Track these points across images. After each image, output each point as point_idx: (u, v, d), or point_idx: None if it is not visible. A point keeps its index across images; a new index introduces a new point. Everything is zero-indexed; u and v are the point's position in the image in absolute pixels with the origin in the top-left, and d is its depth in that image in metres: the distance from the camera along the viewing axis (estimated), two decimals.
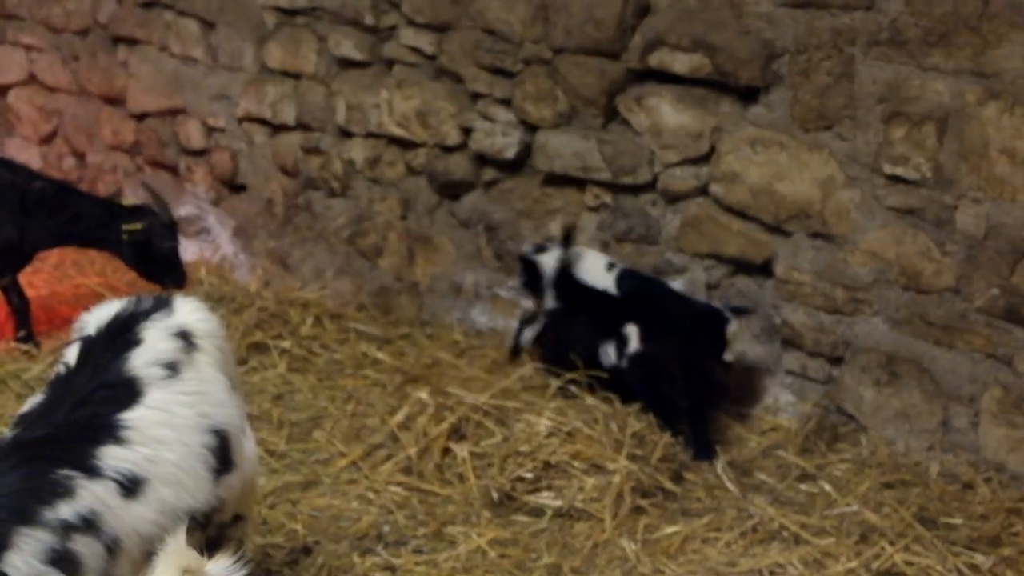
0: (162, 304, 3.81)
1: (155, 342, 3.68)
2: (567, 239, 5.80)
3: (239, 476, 3.73)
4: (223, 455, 3.67)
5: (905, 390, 5.27)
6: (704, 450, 5.21)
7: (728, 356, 5.37)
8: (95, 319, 3.77)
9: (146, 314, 3.76)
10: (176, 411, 3.59)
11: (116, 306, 3.80)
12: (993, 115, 4.98)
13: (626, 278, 5.60)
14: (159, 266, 6.13)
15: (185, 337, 3.75)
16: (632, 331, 5.42)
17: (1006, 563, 4.48)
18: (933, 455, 5.18)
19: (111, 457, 3.44)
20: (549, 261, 5.73)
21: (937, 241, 5.17)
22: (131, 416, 3.52)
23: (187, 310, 3.82)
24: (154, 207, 6.15)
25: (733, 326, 5.39)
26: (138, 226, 6.01)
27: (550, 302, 5.73)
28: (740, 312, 5.46)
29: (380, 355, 6.04)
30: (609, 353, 5.48)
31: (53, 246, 6.30)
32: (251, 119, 6.99)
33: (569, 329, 5.64)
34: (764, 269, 5.62)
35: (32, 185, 6.03)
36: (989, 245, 5.05)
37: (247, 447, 3.81)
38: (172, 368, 3.67)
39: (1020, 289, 4.99)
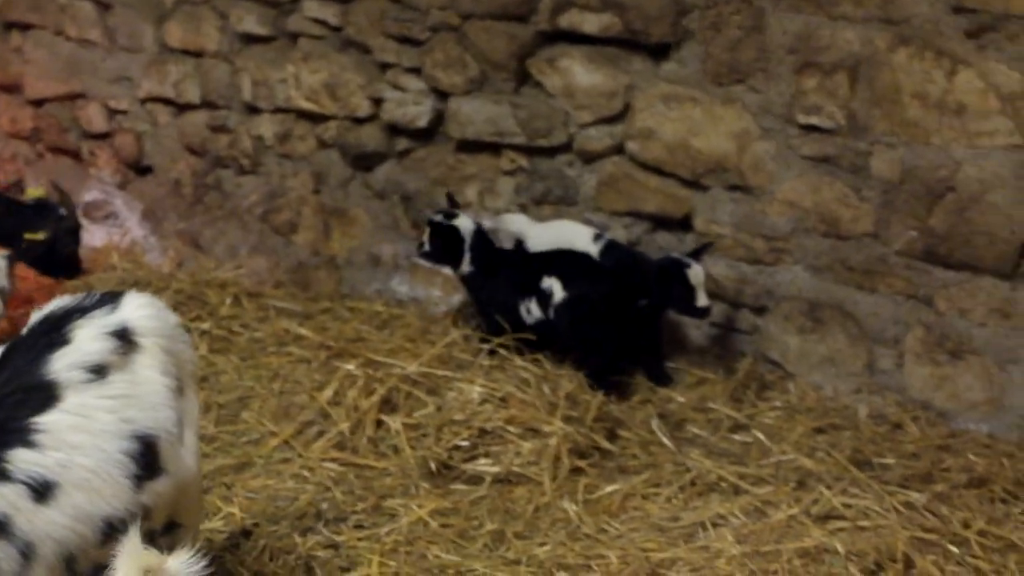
0: (107, 301, 3.62)
1: (84, 342, 3.50)
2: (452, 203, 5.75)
3: (171, 483, 3.54)
4: (148, 461, 3.48)
5: (830, 335, 5.30)
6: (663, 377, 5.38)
7: (701, 301, 5.27)
8: (35, 318, 3.62)
9: (84, 311, 3.57)
10: (95, 416, 3.42)
11: (54, 304, 3.65)
12: (903, 61, 5.01)
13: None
14: (55, 266, 5.95)
15: (123, 336, 3.55)
16: (554, 283, 5.39)
17: (940, 499, 4.51)
18: (861, 397, 5.22)
19: (22, 461, 3.28)
20: (466, 225, 5.63)
21: (854, 187, 5.20)
22: (45, 420, 3.35)
23: (133, 307, 3.61)
24: (59, 205, 5.93)
25: (694, 269, 5.29)
26: (40, 237, 5.79)
27: (467, 267, 5.63)
28: (697, 254, 5.34)
29: (302, 331, 5.93)
30: (532, 310, 5.45)
31: None
32: (154, 100, 6.84)
33: (492, 292, 5.58)
34: (684, 224, 5.61)
35: None
36: (905, 188, 5.09)
37: (186, 453, 3.63)
38: (97, 371, 3.49)
39: (937, 230, 5.04)
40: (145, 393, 3.53)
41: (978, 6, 4.84)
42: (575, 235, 5.54)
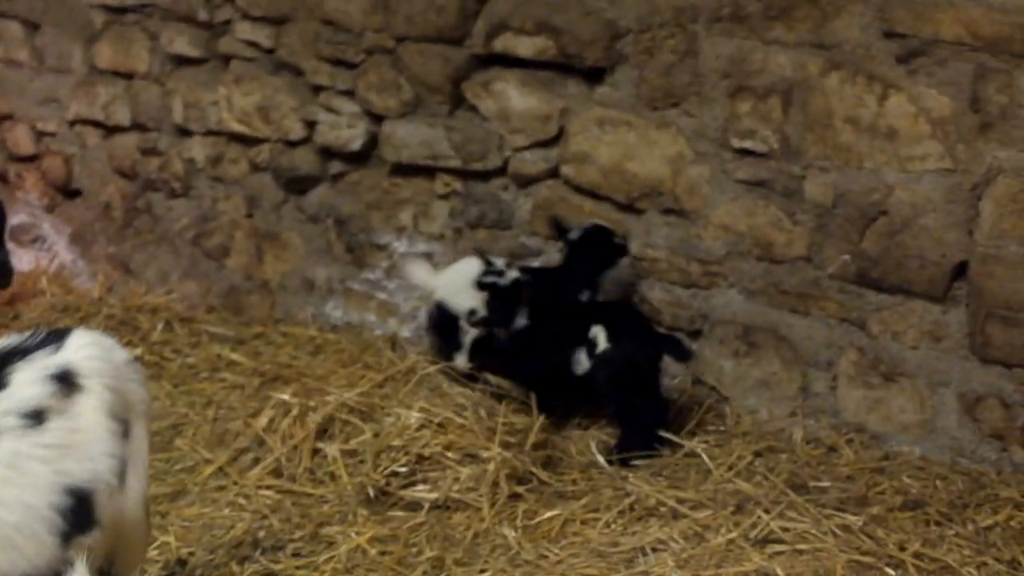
0: (50, 340, 3.44)
1: (22, 386, 3.33)
2: None
3: (104, 535, 3.39)
4: (80, 516, 3.32)
5: (764, 359, 5.33)
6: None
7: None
8: None
9: (25, 353, 3.39)
10: (26, 467, 3.25)
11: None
12: (835, 85, 5.06)
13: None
14: None
15: (65, 379, 3.39)
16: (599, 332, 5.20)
17: (876, 521, 4.55)
18: (796, 421, 5.25)
19: None
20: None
21: (787, 211, 5.23)
22: None
23: (76, 346, 3.45)
24: None
25: None
26: None
27: (522, 322, 5.39)
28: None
29: (235, 356, 5.90)
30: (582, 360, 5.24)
31: None
32: (83, 121, 6.76)
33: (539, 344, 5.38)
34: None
35: None
36: (838, 212, 5.13)
37: (127, 500, 3.49)
38: (34, 417, 3.31)
39: (869, 253, 5.08)
40: (85, 441, 3.38)
41: (908, 31, 4.90)
42: (469, 272, 5.46)
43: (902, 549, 4.38)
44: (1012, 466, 4.93)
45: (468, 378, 5.42)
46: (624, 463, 5.00)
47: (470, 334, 5.48)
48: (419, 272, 5.69)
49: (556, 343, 5.27)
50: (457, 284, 5.47)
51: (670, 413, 5.23)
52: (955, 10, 4.80)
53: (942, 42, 4.85)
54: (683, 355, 5.19)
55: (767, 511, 4.57)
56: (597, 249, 5.44)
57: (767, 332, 5.33)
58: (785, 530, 4.47)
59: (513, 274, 5.37)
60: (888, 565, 4.30)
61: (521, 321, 5.36)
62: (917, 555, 4.36)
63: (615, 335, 5.15)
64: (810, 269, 5.22)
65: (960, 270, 4.95)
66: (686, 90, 5.35)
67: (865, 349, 5.16)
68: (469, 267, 5.48)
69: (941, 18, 4.82)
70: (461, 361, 5.48)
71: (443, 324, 5.53)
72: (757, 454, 5.04)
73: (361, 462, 4.90)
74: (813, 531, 4.46)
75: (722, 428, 5.25)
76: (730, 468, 4.92)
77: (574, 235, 5.47)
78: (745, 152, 5.26)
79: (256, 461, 5.04)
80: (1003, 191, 4.82)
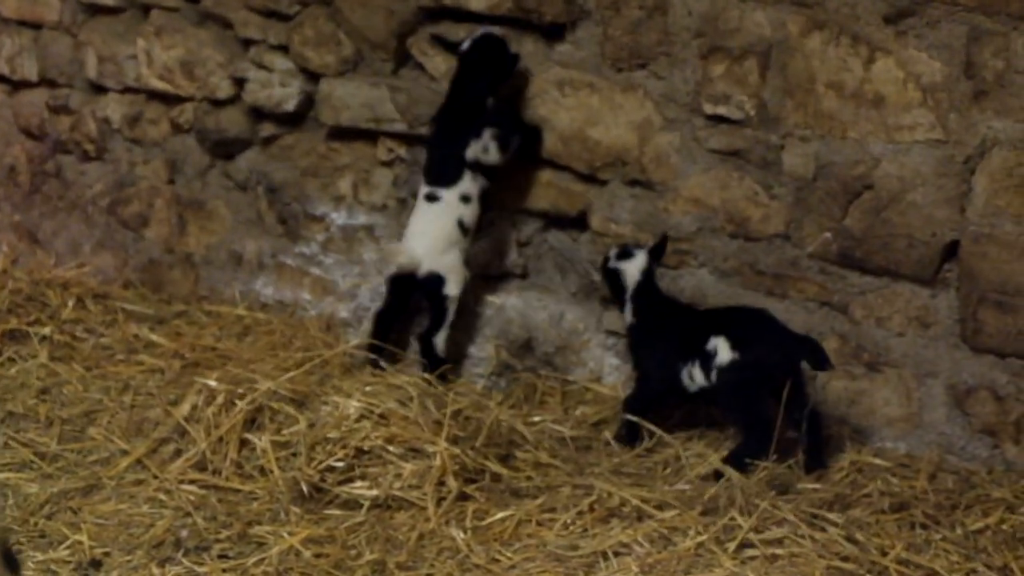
0: None
1: None
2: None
3: None
4: None
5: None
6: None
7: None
8: None
9: None
10: None
11: None
12: (818, 47, 5.07)
13: None
14: None
15: None
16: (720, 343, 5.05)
17: (857, 525, 4.57)
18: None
19: None
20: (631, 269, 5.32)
21: (764, 184, 5.25)
22: None
23: None
24: None
25: None
26: None
27: (629, 318, 5.33)
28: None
29: (155, 337, 5.86)
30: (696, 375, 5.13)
31: None
32: None
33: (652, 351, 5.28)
34: (579, 222, 5.62)
35: None
36: (819, 186, 5.15)
37: None
38: None
39: (853, 232, 5.11)
40: None
41: None
42: None
43: (884, 554, 4.40)
44: (1005, 464, 4.98)
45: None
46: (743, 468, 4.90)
47: None
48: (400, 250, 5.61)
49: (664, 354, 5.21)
50: None
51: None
52: None
53: (934, 1, 4.87)
54: (821, 363, 4.99)
55: (741, 512, 4.58)
56: (489, 59, 5.44)
57: None
58: (759, 533, 4.48)
59: (635, 264, 5.30)
60: (870, 572, 4.32)
61: (629, 317, 5.32)
62: (901, 561, 4.38)
63: (742, 342, 5.02)
64: (788, 248, 5.24)
65: (951, 250, 4.99)
66: (654, 50, 5.34)
67: (847, 336, 5.19)
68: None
69: None
70: None
71: None
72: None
73: (294, 455, 4.88)
74: (790, 535, 4.48)
75: (693, 421, 5.24)
76: (701, 467, 4.92)
77: (464, 46, 5.49)
78: (718, 119, 5.27)
79: (178, 453, 5.01)
80: (998, 164, 4.86)
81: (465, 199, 5.51)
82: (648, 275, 5.26)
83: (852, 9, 5.01)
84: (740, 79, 5.21)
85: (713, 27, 5.23)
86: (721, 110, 5.26)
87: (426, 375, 5.35)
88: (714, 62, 5.24)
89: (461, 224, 5.52)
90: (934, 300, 5.04)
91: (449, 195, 5.51)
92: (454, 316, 5.55)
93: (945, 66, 4.90)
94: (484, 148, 5.48)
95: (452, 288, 5.51)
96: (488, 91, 5.51)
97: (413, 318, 5.72)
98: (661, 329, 5.23)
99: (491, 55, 5.49)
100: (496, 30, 5.47)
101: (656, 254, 5.28)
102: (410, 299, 5.64)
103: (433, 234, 5.53)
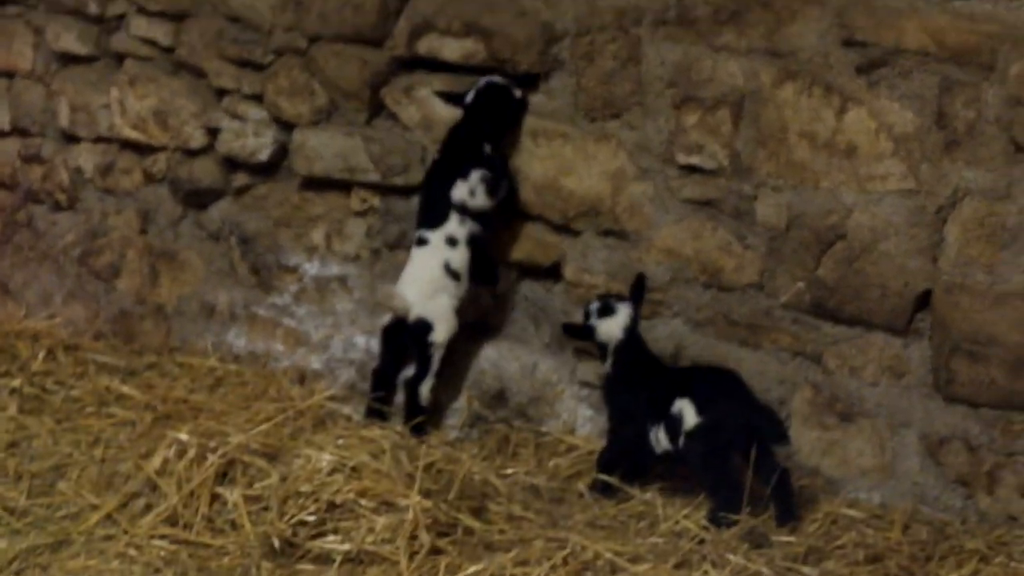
0: None
1: None
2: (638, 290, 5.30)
3: None
4: None
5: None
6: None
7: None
8: None
9: None
10: None
11: None
12: (790, 96, 5.10)
13: None
14: None
15: None
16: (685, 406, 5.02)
17: None
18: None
19: None
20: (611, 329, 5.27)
21: (737, 234, 5.27)
22: None
23: None
24: None
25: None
26: None
27: (607, 368, 5.30)
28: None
29: (126, 390, 5.85)
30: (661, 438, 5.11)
31: None
32: None
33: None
34: (552, 272, 5.63)
35: None
36: (792, 236, 5.17)
37: None
38: None
39: (826, 281, 5.12)
40: None
41: (869, 39, 4.95)
42: None
43: None
44: (978, 515, 4.98)
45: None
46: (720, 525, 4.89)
47: None
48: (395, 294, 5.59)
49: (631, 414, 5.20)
50: None
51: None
52: (919, 17, 4.86)
53: (905, 52, 4.91)
54: (778, 437, 4.96)
55: (714, 566, 4.58)
56: (494, 107, 5.44)
57: None
58: None
59: (615, 323, 5.25)
60: None
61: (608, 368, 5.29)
62: None
63: (706, 406, 4.99)
64: (761, 298, 5.26)
65: (923, 300, 5.01)
66: (628, 100, 5.37)
67: (820, 386, 5.20)
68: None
69: (904, 26, 4.88)
70: None
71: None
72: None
73: (265, 509, 4.86)
74: None
75: (668, 473, 5.24)
76: (677, 518, 4.92)
77: (469, 98, 5.49)
78: (692, 169, 5.29)
79: (148, 507, 4.99)
80: (970, 214, 4.89)
81: (451, 241, 5.50)
82: (630, 330, 5.24)
83: (824, 59, 5.04)
84: (713, 129, 5.24)
85: (686, 77, 5.26)
86: (694, 160, 5.28)
87: (397, 428, 5.35)
88: (687, 112, 5.27)
89: (448, 268, 5.50)
90: (907, 350, 5.06)
91: (435, 237, 5.51)
92: (439, 365, 5.53)
93: (917, 116, 4.93)
94: (471, 191, 5.47)
95: (438, 335, 5.50)
96: (487, 137, 5.49)
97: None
98: (635, 386, 5.23)
99: (496, 103, 5.47)
100: (498, 79, 5.47)
101: (636, 301, 5.26)
102: (405, 351, 5.60)
103: (421, 278, 5.53)
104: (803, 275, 5.17)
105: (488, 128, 5.49)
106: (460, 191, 5.47)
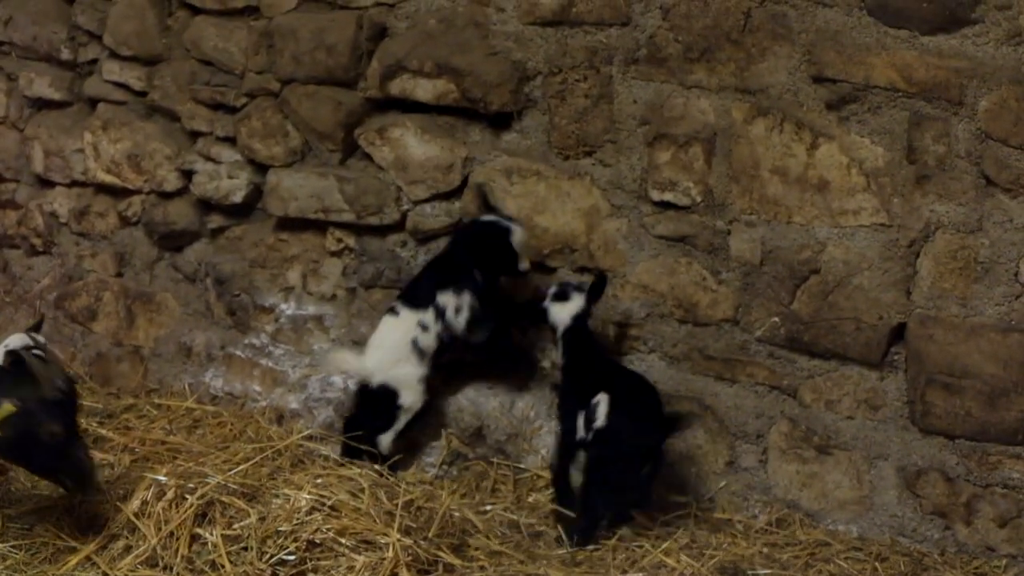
0: None
1: None
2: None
3: None
4: None
5: (688, 431, 5.34)
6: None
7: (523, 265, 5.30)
8: None
9: None
10: None
11: None
12: (762, 133, 5.12)
13: None
14: (46, 460, 4.85)
15: None
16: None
17: None
18: (724, 499, 5.27)
19: None
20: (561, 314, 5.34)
21: (712, 269, 5.28)
22: None
23: None
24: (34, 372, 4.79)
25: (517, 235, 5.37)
26: (12, 410, 4.70)
27: (559, 358, 5.35)
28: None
29: (104, 432, 5.80)
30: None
31: None
32: None
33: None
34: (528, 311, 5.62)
35: None
36: (766, 271, 5.18)
37: None
38: None
39: (801, 315, 5.14)
40: None
41: (839, 76, 4.98)
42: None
43: None
44: (956, 545, 4.99)
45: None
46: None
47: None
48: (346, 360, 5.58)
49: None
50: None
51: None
52: (888, 54, 4.89)
53: (875, 88, 4.94)
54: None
55: None
56: (483, 244, 5.41)
57: (691, 401, 5.35)
58: None
59: (567, 308, 5.32)
60: None
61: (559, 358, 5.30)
62: None
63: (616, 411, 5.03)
64: (737, 332, 5.27)
65: (898, 333, 5.02)
66: (601, 138, 5.38)
67: (797, 419, 5.20)
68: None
69: (874, 62, 4.92)
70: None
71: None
72: (686, 535, 5.04)
73: (245, 549, 4.82)
74: None
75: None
76: (658, 551, 4.91)
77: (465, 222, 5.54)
78: (665, 205, 5.31)
79: (128, 549, 4.93)
80: (942, 247, 4.91)
81: (423, 327, 5.47)
82: (579, 319, 5.29)
83: (795, 96, 5.07)
84: (686, 165, 5.25)
85: (658, 115, 5.28)
86: (668, 196, 5.30)
87: (376, 467, 5.33)
88: (660, 149, 5.29)
89: (416, 345, 5.47)
90: (883, 383, 5.07)
91: (409, 315, 5.48)
92: (404, 426, 5.51)
93: (887, 151, 4.96)
94: (456, 309, 5.45)
95: (406, 400, 5.48)
96: (476, 265, 5.44)
97: None
98: (577, 377, 5.25)
99: (489, 241, 5.39)
100: (511, 228, 5.37)
101: (592, 295, 5.29)
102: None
103: (386, 345, 5.50)
104: (778, 309, 5.18)
105: (479, 259, 5.43)
106: (445, 299, 5.44)
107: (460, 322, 5.46)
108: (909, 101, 4.91)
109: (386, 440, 5.49)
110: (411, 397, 5.48)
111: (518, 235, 5.36)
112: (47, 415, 4.74)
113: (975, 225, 4.87)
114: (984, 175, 4.83)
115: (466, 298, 5.45)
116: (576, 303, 5.28)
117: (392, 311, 5.52)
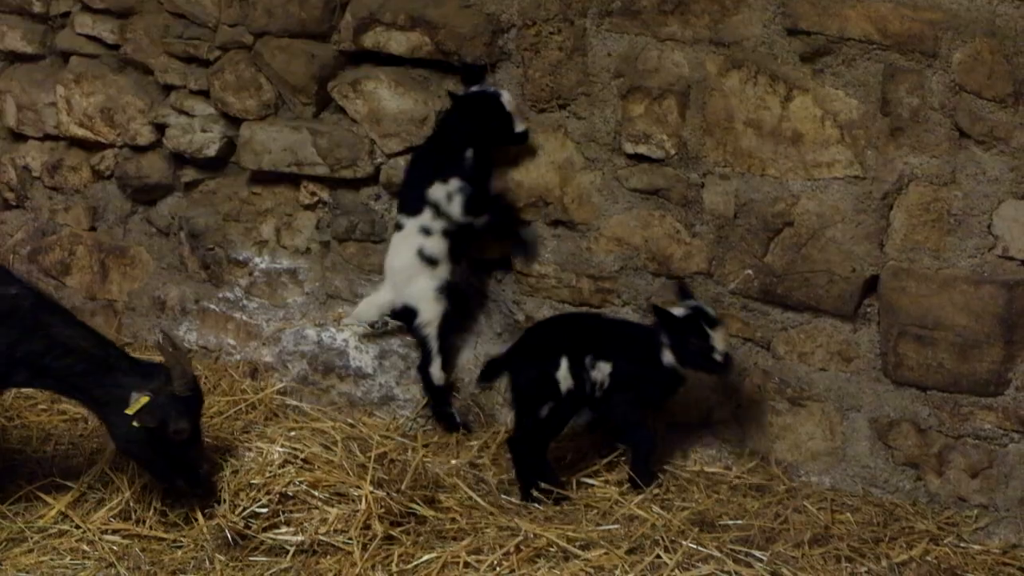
0: None
1: None
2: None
3: None
4: None
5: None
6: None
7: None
8: None
9: None
10: None
11: None
12: (736, 85, 5.10)
13: None
14: (167, 459, 4.81)
15: None
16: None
17: (782, 559, 4.60)
18: (697, 451, 5.28)
19: None
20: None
21: (685, 222, 5.27)
22: None
23: None
24: (168, 365, 4.78)
25: None
26: (144, 400, 4.69)
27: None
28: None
29: None
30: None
31: (21, 384, 5.07)
32: None
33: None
34: (502, 263, 5.62)
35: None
36: (740, 223, 5.18)
37: None
38: None
39: (774, 268, 5.13)
40: None
41: (813, 28, 4.96)
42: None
43: None
44: (928, 496, 5.01)
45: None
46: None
47: None
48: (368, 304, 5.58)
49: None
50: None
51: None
52: (863, 5, 4.87)
53: (849, 40, 4.92)
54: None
55: (667, 550, 4.58)
56: (478, 112, 5.36)
57: None
58: (685, 570, 4.49)
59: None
60: None
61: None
62: None
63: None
64: (710, 285, 5.26)
65: (871, 285, 5.02)
66: (575, 90, 5.36)
67: (770, 371, 5.21)
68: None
69: (848, 14, 4.90)
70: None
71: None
72: (658, 487, 5.05)
73: (218, 502, 4.83)
74: (716, 571, 4.49)
75: (619, 461, 5.23)
76: (629, 505, 4.92)
77: (459, 93, 5.47)
78: (639, 158, 5.29)
79: (101, 502, 4.96)
80: (915, 200, 4.91)
81: (426, 231, 5.45)
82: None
83: (769, 48, 5.06)
84: (660, 118, 5.24)
85: (632, 67, 5.25)
86: (641, 149, 5.28)
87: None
88: (634, 102, 5.27)
89: (422, 253, 5.45)
90: (855, 335, 5.07)
91: (411, 224, 5.47)
92: (438, 343, 5.48)
93: (861, 103, 4.95)
94: (448, 196, 5.40)
95: (423, 316, 5.47)
96: (468, 142, 5.39)
97: None
98: None
99: (481, 109, 5.35)
100: (492, 90, 5.38)
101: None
102: None
103: (395, 265, 5.51)
104: (751, 262, 5.18)
105: (468, 130, 5.38)
106: (436, 191, 5.41)
107: (455, 209, 5.42)
108: (884, 53, 4.89)
109: (436, 369, 5.47)
110: (429, 310, 5.46)
111: (507, 97, 5.33)
112: (176, 411, 4.71)
113: (948, 177, 4.86)
114: (958, 127, 4.82)
115: (455, 183, 5.39)
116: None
117: (397, 226, 5.51)
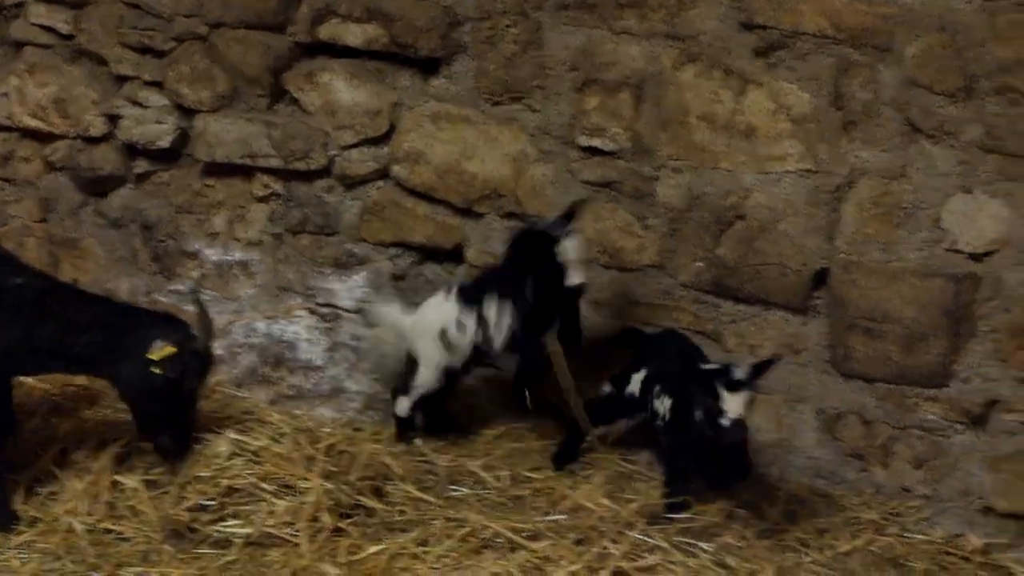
0: None
1: None
2: None
3: None
4: None
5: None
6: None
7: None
8: None
9: None
10: None
11: None
12: (691, 79, 5.17)
13: None
14: (165, 411, 4.91)
15: None
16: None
17: (729, 550, 4.67)
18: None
19: None
20: None
21: (638, 215, 5.33)
22: None
23: None
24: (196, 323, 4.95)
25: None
26: (170, 350, 4.81)
27: None
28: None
29: (25, 379, 5.78)
30: None
31: (35, 372, 5.24)
32: None
33: None
34: (455, 255, 5.68)
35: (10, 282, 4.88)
36: (692, 216, 5.24)
37: None
38: None
39: (725, 261, 5.20)
40: None
41: (768, 22, 5.03)
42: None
43: None
44: (873, 487, 5.08)
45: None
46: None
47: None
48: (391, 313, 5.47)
49: None
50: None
51: None
52: (818, 0, 4.93)
53: (803, 34, 5.00)
54: None
55: (614, 541, 4.64)
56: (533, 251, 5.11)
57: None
58: (632, 561, 4.54)
59: None
60: None
61: None
62: None
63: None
64: (662, 277, 5.33)
65: (821, 278, 5.10)
66: (529, 83, 5.42)
67: None
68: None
69: (803, 8, 4.98)
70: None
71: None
72: (607, 480, 5.10)
73: (165, 494, 4.86)
74: (662, 562, 4.54)
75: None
76: (579, 496, 4.97)
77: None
78: (592, 151, 5.35)
79: (50, 495, 4.97)
80: (866, 193, 4.98)
81: (460, 325, 5.26)
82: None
83: (724, 42, 5.12)
84: (614, 111, 5.30)
85: (588, 60, 5.31)
86: (595, 142, 5.34)
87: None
88: (588, 95, 5.33)
89: (443, 334, 5.27)
90: (805, 327, 5.15)
91: (451, 306, 5.30)
92: (418, 399, 5.43)
93: (814, 97, 5.02)
94: (496, 317, 5.21)
95: (419, 378, 5.38)
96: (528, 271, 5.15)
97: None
98: None
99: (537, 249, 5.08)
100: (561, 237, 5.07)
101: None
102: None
103: (419, 322, 5.36)
104: (703, 255, 5.24)
105: (531, 277, 5.13)
106: (490, 308, 5.22)
107: (497, 338, 5.25)
108: (837, 48, 4.97)
109: (402, 404, 5.40)
110: (425, 375, 5.35)
111: (569, 244, 5.02)
112: (194, 368, 4.84)
113: (899, 171, 4.94)
114: (909, 121, 4.90)
115: (507, 308, 5.21)
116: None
117: (448, 289, 5.37)
